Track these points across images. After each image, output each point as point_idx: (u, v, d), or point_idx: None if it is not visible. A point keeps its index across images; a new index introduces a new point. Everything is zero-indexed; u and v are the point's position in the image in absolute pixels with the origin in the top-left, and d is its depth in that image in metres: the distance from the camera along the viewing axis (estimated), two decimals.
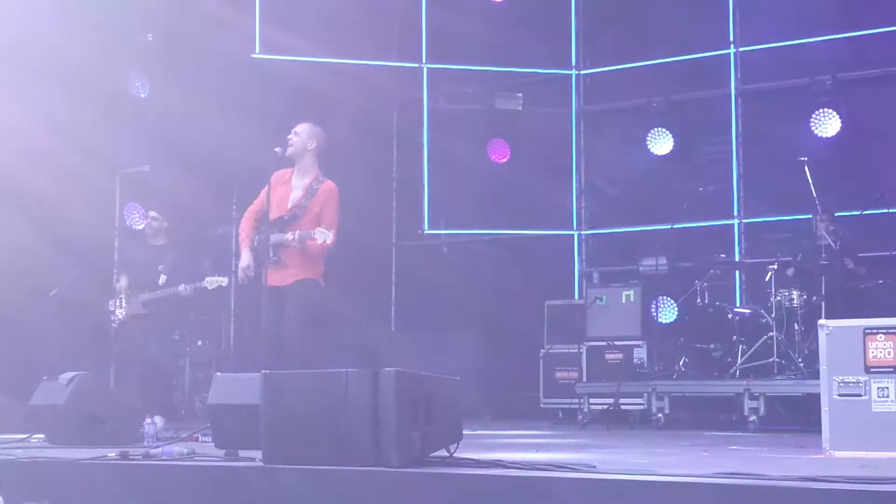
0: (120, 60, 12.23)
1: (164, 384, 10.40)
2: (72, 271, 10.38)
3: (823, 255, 9.72)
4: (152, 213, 10.27)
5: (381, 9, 13.04)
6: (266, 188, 7.97)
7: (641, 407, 10.27)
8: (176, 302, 9.85)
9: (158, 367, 10.16)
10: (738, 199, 12.13)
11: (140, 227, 10.62)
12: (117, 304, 10.00)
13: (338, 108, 12.85)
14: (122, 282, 10.01)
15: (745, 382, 9.49)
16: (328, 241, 7.90)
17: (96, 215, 11.82)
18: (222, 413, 6.82)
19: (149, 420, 7.67)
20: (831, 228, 10.07)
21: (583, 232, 13.07)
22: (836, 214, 10.20)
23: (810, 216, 10.17)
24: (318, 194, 8.17)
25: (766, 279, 10.04)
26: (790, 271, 10.15)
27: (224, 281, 9.57)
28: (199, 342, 12.45)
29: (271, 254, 7.91)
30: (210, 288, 9.56)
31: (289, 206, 8.14)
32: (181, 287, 9.61)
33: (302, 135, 8.33)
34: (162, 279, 9.78)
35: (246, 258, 8.14)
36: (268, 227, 7.87)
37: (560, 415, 11.49)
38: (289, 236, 7.94)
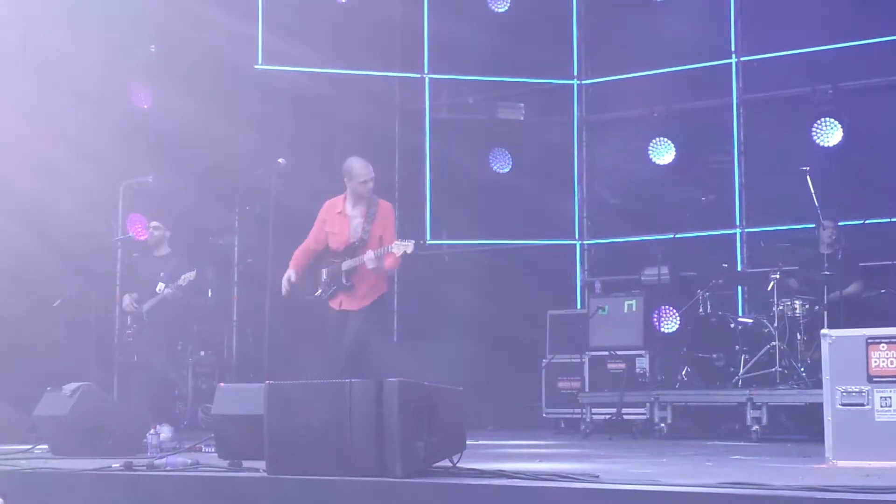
0: (123, 71, 12.27)
1: (169, 394, 10.43)
2: (75, 282, 10.40)
3: (826, 264, 9.71)
4: (154, 223, 10.29)
5: (384, 19, 13.06)
6: (319, 222, 8.48)
7: (644, 417, 10.26)
8: (169, 306, 9.86)
9: (163, 377, 10.20)
10: (739, 208, 12.13)
11: (143, 239, 10.64)
12: (128, 320, 10.02)
13: (340, 119, 12.91)
14: (126, 300, 10.03)
15: (747, 392, 9.48)
16: (409, 251, 8.12)
17: (100, 226, 11.87)
18: (226, 423, 6.84)
19: (152, 431, 7.68)
20: (833, 237, 10.07)
21: (585, 241, 13.06)
22: (839, 224, 10.19)
23: (813, 225, 10.17)
24: (377, 218, 8.44)
25: (769, 288, 10.04)
26: (792, 281, 10.15)
27: (192, 275, 9.63)
28: (202, 353, 12.46)
29: (345, 280, 8.30)
30: (184, 284, 9.63)
31: (350, 235, 8.42)
32: (166, 291, 9.66)
33: (365, 173, 8.54)
34: (159, 286, 9.81)
35: (289, 272, 8.47)
36: (332, 257, 8.36)
37: (562, 424, 11.48)
38: (367, 256, 8.17)
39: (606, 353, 11.15)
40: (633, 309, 11.28)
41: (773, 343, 9.76)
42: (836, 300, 9.61)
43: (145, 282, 10.07)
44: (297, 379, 6.17)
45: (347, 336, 8.33)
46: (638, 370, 10.94)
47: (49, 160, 11.27)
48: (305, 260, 8.58)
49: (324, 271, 8.49)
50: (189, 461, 6.34)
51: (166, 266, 9.99)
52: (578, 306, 12.54)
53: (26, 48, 11.46)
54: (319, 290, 8.50)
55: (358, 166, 8.52)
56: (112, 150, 11.56)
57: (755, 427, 9.30)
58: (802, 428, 9.54)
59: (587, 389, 11.07)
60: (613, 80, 13.02)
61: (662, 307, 11.36)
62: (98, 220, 11.95)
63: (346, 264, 8.34)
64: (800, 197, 10.10)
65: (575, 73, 13.19)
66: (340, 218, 8.54)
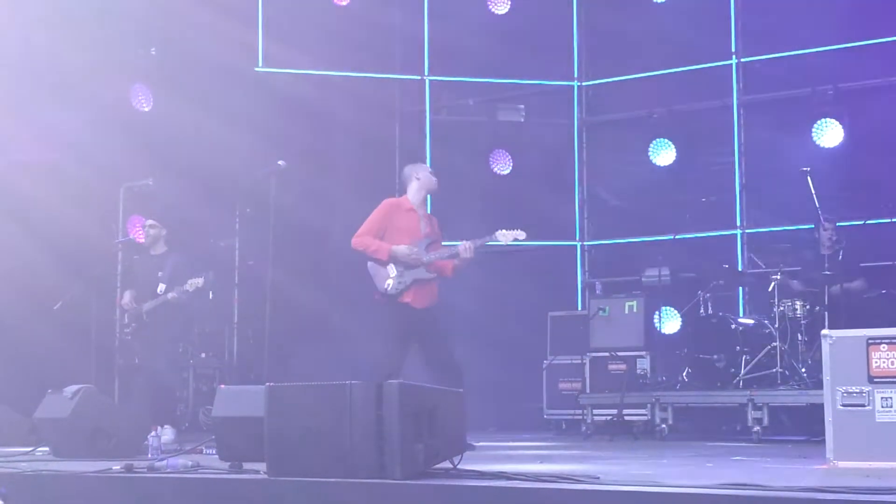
0: (123, 74, 12.28)
1: (170, 396, 10.43)
2: (76, 285, 10.40)
3: (826, 265, 9.71)
4: (150, 221, 10.23)
5: (384, 22, 13.08)
6: (380, 212, 8.54)
7: (645, 418, 10.26)
8: (172, 309, 9.85)
9: (164, 379, 10.19)
10: (740, 209, 12.13)
11: (143, 241, 10.64)
12: (125, 320, 10.01)
13: (340, 121, 12.91)
14: (126, 297, 10.02)
15: (748, 393, 9.48)
16: (520, 238, 8.63)
17: (100, 228, 11.87)
18: (226, 425, 6.84)
19: (153, 433, 7.68)
20: (834, 238, 10.07)
21: (585, 243, 13.07)
22: (838, 224, 10.19)
23: (812, 226, 10.18)
24: (433, 221, 8.79)
25: (770, 289, 10.04)
26: (795, 283, 10.15)
27: (200, 282, 9.58)
28: (203, 354, 12.46)
29: (426, 273, 8.46)
30: (190, 290, 9.60)
31: (423, 230, 8.61)
32: (170, 295, 9.64)
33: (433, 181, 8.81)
34: (160, 287, 9.79)
35: (403, 248, 8.44)
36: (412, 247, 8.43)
37: (563, 426, 11.48)
38: (467, 243, 8.47)
39: (607, 354, 11.16)
40: (634, 310, 11.29)
41: (774, 344, 9.75)
42: (838, 294, 9.60)
43: (143, 280, 10.03)
44: (298, 381, 6.16)
45: (441, 333, 8.48)
46: (639, 371, 10.95)
47: (49, 163, 11.29)
48: (377, 239, 8.51)
49: (392, 266, 8.45)
50: (189, 463, 6.33)
51: (163, 264, 9.95)
52: (579, 307, 12.55)
53: (26, 51, 11.46)
54: (389, 283, 8.42)
55: (425, 165, 8.93)
56: (112, 153, 11.57)
57: (756, 428, 9.30)
58: (803, 429, 9.55)
59: (588, 390, 11.08)
60: (613, 81, 13.03)
61: (663, 308, 11.36)
62: (98, 222, 11.95)
63: (427, 257, 8.45)
64: (800, 198, 10.10)
65: (575, 75, 13.20)
66: (410, 215, 8.65)
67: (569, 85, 13.22)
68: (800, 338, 9.80)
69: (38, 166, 11.31)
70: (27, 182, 11.19)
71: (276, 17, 12.35)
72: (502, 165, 13.08)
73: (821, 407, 6.44)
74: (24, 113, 11.28)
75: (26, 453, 7.84)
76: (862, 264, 10.32)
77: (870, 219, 10.48)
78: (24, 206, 11.18)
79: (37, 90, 11.26)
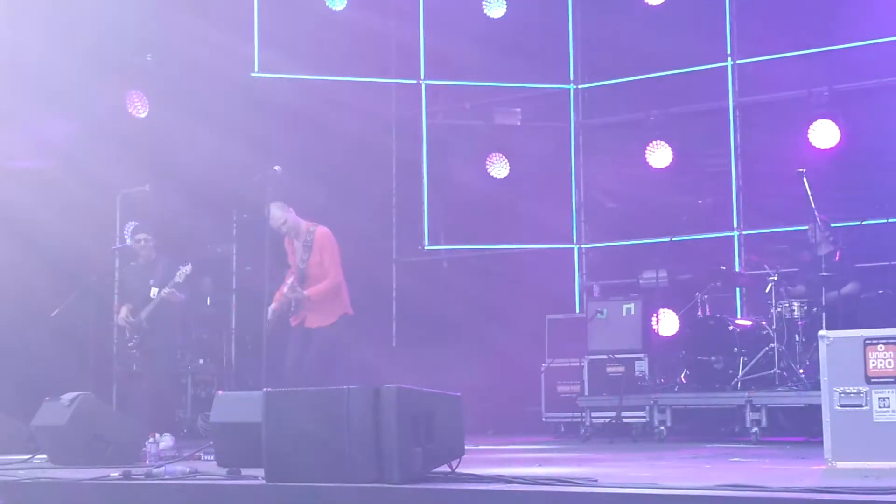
0: (119, 81, 12.28)
1: (171, 402, 10.42)
2: (73, 292, 10.39)
3: (823, 266, 9.71)
4: (144, 236, 10.20)
5: (380, 26, 13.09)
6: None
7: (643, 420, 10.26)
8: (169, 311, 9.85)
9: (166, 385, 10.20)
10: (737, 210, 12.14)
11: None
12: (126, 334, 9.99)
13: (337, 126, 12.89)
14: (123, 312, 10.01)
15: (746, 394, 9.49)
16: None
17: (97, 235, 11.86)
18: (224, 431, 6.83)
19: (151, 439, 7.68)
20: (831, 238, 10.08)
21: (583, 245, 13.07)
22: (832, 225, 10.20)
23: (806, 227, 10.21)
24: (314, 244, 8.81)
25: (767, 290, 10.05)
26: (799, 288, 10.15)
27: (188, 268, 9.65)
28: (201, 360, 12.47)
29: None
30: (181, 280, 9.64)
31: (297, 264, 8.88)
32: (163, 292, 9.64)
33: (283, 220, 8.82)
34: (153, 292, 9.79)
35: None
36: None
37: (562, 429, 11.48)
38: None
39: (605, 356, 11.15)
40: (632, 312, 11.29)
41: (772, 345, 9.76)
42: (835, 300, 9.62)
43: (137, 290, 10.04)
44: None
45: (313, 350, 8.70)
46: (637, 373, 10.95)
47: (45, 171, 11.29)
48: None
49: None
50: (188, 469, 6.34)
51: (153, 271, 9.95)
52: (577, 310, 12.56)
53: (21, 60, 11.46)
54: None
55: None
56: (108, 161, 11.56)
57: (754, 429, 9.31)
58: (802, 429, 9.56)
59: (586, 393, 11.08)
60: (610, 84, 13.04)
61: (661, 310, 11.37)
62: (95, 230, 11.95)
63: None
64: (797, 198, 10.10)
65: (571, 78, 13.21)
66: (290, 249, 9.00)
67: (565, 88, 13.23)
68: (797, 339, 9.81)
69: (34, 174, 11.31)
70: (23, 190, 11.18)
71: (272, 23, 12.35)
72: (499, 169, 13.08)
73: (819, 408, 6.45)
74: (20, 121, 11.27)
75: (24, 461, 7.83)
76: (858, 265, 10.32)
77: (866, 219, 10.49)
78: (20, 213, 11.17)
79: (32, 98, 11.25)
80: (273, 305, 8.74)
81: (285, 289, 8.76)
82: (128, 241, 11.56)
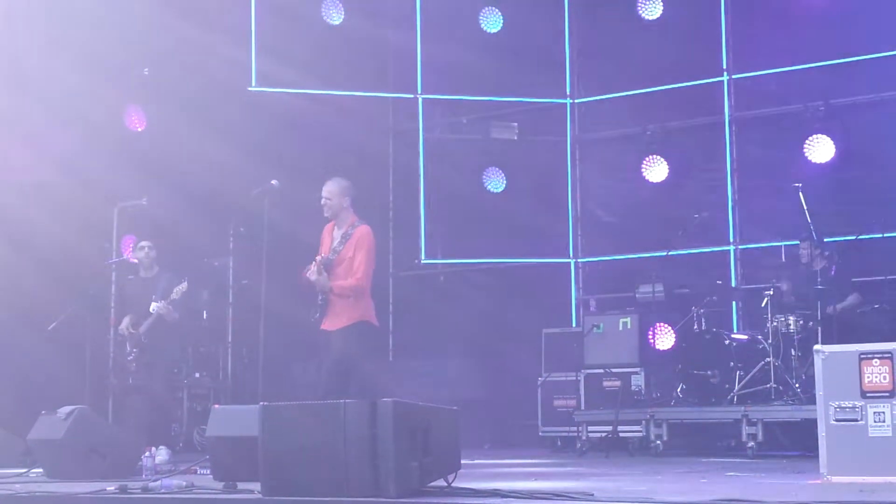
0: (117, 94, 12.30)
1: (167, 417, 10.42)
2: (70, 305, 10.39)
3: (819, 280, 9.73)
4: (145, 244, 10.22)
5: (377, 41, 13.12)
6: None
7: (640, 434, 10.27)
8: (168, 328, 9.87)
9: (162, 399, 10.19)
10: (733, 225, 12.16)
11: (136, 261, 10.63)
12: (127, 346, 9.99)
13: (334, 139, 12.93)
14: (124, 323, 10.02)
15: (742, 408, 9.50)
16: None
17: (94, 248, 11.87)
18: (221, 445, 6.84)
19: (147, 453, 7.67)
20: (826, 254, 10.10)
21: (579, 260, 13.09)
22: (826, 240, 10.22)
23: (797, 242, 10.25)
24: (351, 239, 8.49)
25: (763, 305, 10.07)
26: (784, 286, 10.17)
27: (184, 286, 9.65)
28: (198, 374, 12.46)
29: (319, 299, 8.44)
30: (177, 298, 9.63)
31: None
32: (160, 307, 9.65)
33: (333, 197, 8.52)
34: (153, 306, 9.81)
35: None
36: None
37: (559, 443, 11.47)
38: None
39: (602, 370, 11.16)
40: (628, 326, 11.30)
41: (768, 359, 9.78)
42: (831, 314, 9.63)
43: (137, 303, 10.04)
44: (292, 400, 6.17)
45: (330, 357, 8.37)
46: (633, 388, 10.96)
47: (43, 184, 11.29)
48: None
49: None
50: (184, 483, 6.34)
51: (156, 285, 9.97)
52: (573, 324, 12.55)
53: (19, 72, 11.48)
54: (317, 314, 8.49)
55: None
56: (106, 173, 11.58)
57: (750, 443, 9.31)
58: (798, 443, 9.56)
59: (583, 407, 11.08)
60: (606, 98, 13.07)
61: (657, 324, 11.38)
62: (92, 242, 11.95)
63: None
64: (793, 213, 10.12)
65: (568, 92, 13.24)
66: (326, 238, 8.66)
67: (562, 102, 13.26)
68: (793, 353, 9.81)
69: (31, 186, 11.31)
70: (20, 202, 11.19)
71: (270, 37, 12.37)
72: (496, 183, 13.10)
73: (815, 422, 6.46)
74: (18, 133, 11.28)
75: (20, 475, 7.82)
76: (854, 279, 10.34)
77: (862, 234, 10.51)
78: (17, 225, 11.18)
79: (30, 110, 11.26)
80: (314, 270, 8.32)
81: (308, 273, 8.35)
82: (124, 255, 11.57)
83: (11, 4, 11.37)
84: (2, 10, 11.29)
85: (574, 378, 11.30)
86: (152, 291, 9.92)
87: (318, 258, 8.38)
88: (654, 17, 12.52)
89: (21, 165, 11.38)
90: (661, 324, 11.47)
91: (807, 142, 11.53)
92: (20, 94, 11.32)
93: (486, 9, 13.02)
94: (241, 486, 6.05)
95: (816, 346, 6.53)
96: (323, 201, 8.52)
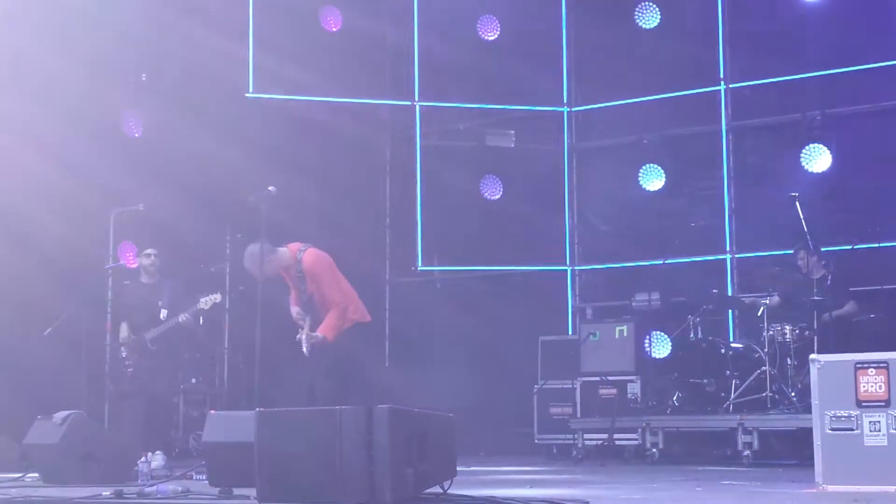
0: (115, 99, 12.31)
1: (167, 422, 10.40)
2: (66, 309, 10.38)
3: (815, 289, 9.75)
4: (151, 251, 10.18)
5: (375, 47, 13.14)
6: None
7: (636, 442, 10.27)
8: (179, 333, 9.86)
9: (164, 405, 10.18)
10: (729, 233, 12.17)
11: (134, 267, 10.61)
12: (123, 352, 9.95)
13: (332, 145, 12.95)
14: (124, 330, 9.99)
15: (738, 417, 9.51)
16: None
17: (91, 254, 11.87)
18: (217, 451, 6.84)
19: (143, 458, 7.67)
20: (823, 262, 10.12)
21: (576, 267, 13.10)
22: (823, 249, 10.23)
23: (791, 251, 10.27)
24: (305, 275, 8.52)
25: (759, 314, 10.08)
26: (774, 299, 10.20)
27: (217, 297, 9.63)
28: (193, 380, 12.45)
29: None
30: (206, 308, 9.62)
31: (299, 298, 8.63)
32: (181, 317, 9.63)
33: (259, 272, 8.30)
34: (163, 313, 9.77)
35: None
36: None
37: (554, 450, 11.48)
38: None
39: (598, 378, 11.17)
40: (625, 334, 11.30)
41: (764, 368, 9.79)
42: (828, 322, 9.63)
43: (140, 309, 9.99)
44: (288, 406, 6.17)
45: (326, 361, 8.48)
46: (629, 395, 10.96)
47: (40, 189, 11.28)
48: None
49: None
50: (180, 488, 6.34)
51: (159, 292, 9.92)
52: (570, 332, 12.56)
53: (19, 77, 11.49)
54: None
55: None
56: (103, 178, 11.58)
57: (746, 452, 9.32)
58: (793, 452, 9.57)
59: (579, 415, 11.08)
60: (603, 107, 13.08)
61: (653, 332, 11.39)
62: (89, 248, 11.95)
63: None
64: (789, 222, 10.14)
65: (565, 101, 13.26)
66: (288, 281, 8.80)
67: (559, 110, 13.27)
68: (789, 362, 9.83)
69: (29, 191, 11.30)
70: (19, 207, 11.18)
71: (268, 42, 12.39)
72: (493, 190, 13.11)
73: (811, 431, 6.47)
74: (16, 137, 11.28)
75: (16, 479, 7.81)
76: (851, 288, 10.35)
77: (858, 243, 10.53)
78: (14, 229, 11.17)
79: (28, 115, 11.26)
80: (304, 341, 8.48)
81: (301, 323, 8.50)
82: (120, 261, 11.56)
83: (11, 4, 11.37)
84: (2, 10, 11.29)
85: (570, 386, 11.30)
86: (157, 298, 9.86)
87: (303, 336, 8.48)
88: (652, 26, 12.53)
89: (19, 170, 11.37)
90: (658, 332, 11.48)
91: (804, 151, 11.55)
92: (19, 99, 11.32)
93: (484, 16, 13.04)
94: (236, 491, 6.06)
95: (812, 356, 6.55)
96: (262, 279, 8.34)
